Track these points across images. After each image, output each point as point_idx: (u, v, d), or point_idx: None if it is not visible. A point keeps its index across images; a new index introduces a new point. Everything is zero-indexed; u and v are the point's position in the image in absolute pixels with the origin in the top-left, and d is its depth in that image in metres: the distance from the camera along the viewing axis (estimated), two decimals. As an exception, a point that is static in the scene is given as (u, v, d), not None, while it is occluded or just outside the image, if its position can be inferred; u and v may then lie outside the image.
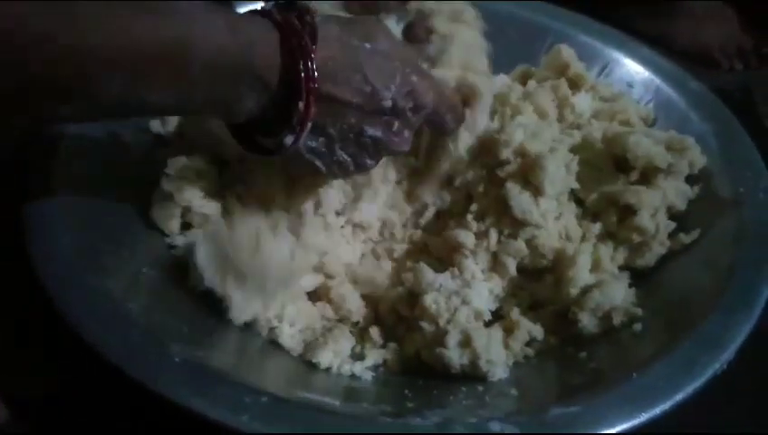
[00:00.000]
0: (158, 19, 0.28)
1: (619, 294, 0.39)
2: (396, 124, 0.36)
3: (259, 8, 0.33)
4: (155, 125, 0.45)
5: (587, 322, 0.38)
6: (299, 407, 0.31)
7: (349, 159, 0.36)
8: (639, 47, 0.54)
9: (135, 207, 0.40)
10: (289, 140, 0.33)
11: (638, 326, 0.37)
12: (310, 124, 0.33)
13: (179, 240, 0.40)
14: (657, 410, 0.31)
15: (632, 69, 0.53)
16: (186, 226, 0.40)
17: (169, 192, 0.39)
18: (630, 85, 0.52)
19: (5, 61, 0.26)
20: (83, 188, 0.38)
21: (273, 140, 0.34)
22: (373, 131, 0.35)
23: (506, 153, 0.41)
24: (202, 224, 0.40)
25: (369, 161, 0.37)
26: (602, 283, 0.39)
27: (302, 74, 0.31)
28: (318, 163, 0.36)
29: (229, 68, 0.30)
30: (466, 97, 0.42)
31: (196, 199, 0.40)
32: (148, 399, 0.30)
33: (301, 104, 0.32)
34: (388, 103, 0.34)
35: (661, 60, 0.53)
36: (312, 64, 0.31)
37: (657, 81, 0.51)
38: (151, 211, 0.40)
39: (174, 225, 0.40)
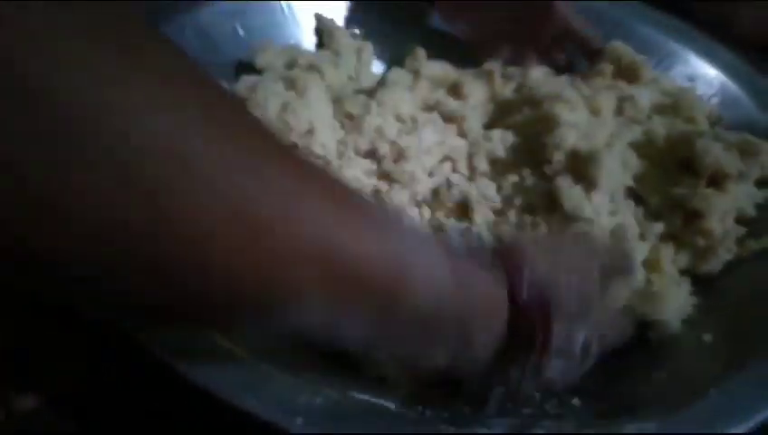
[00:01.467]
0: (384, 240, 0.22)
1: (678, 299, 0.37)
2: (573, 367, 0.30)
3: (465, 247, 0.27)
4: None
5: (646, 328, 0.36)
6: (355, 410, 0.29)
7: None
8: (703, 39, 0.51)
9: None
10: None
11: (707, 337, 0.35)
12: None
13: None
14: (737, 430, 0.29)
15: (695, 63, 0.50)
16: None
17: None
18: (692, 80, 0.50)
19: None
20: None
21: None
22: (551, 373, 0.29)
23: (558, 156, 0.39)
24: None
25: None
26: (662, 286, 0.37)
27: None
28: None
29: (442, 319, 0.25)
30: None
31: None
32: (194, 392, 0.28)
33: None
34: (578, 346, 0.29)
35: (726, 53, 0.50)
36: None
37: (722, 77, 0.49)
38: None
39: None
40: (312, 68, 0.45)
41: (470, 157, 0.41)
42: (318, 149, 0.39)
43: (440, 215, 0.39)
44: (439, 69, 0.47)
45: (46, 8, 0.15)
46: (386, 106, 0.42)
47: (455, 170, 0.41)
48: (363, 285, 0.22)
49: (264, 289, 0.20)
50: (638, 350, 0.36)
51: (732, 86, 0.48)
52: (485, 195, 0.40)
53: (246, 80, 0.43)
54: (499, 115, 0.45)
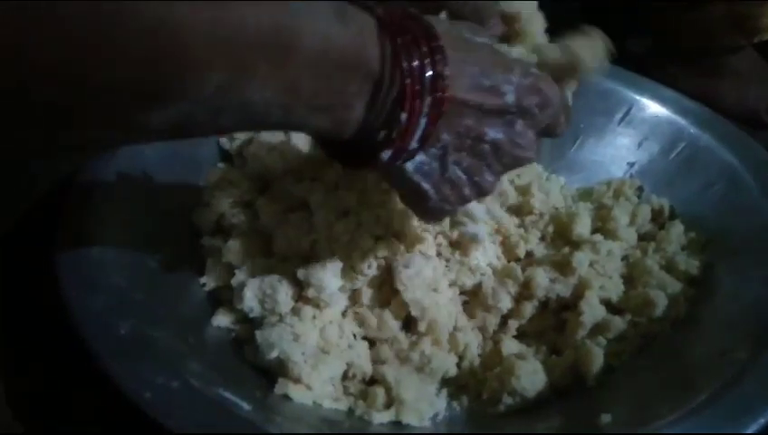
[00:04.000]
0: (259, 3, 0.24)
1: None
2: (519, 124, 0.30)
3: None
4: (224, 142, 0.48)
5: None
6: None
7: (464, 177, 0.30)
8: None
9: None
10: (386, 154, 0.28)
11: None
12: (415, 141, 0.28)
13: (209, 282, 0.41)
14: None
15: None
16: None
17: (207, 200, 0.43)
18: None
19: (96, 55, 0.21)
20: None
21: (373, 152, 0.28)
22: (494, 133, 0.29)
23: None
24: (231, 229, 0.42)
25: (488, 178, 0.31)
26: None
27: (409, 79, 0.27)
28: (425, 186, 0.30)
29: (338, 59, 0.26)
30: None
31: (226, 207, 0.42)
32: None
33: (404, 115, 0.27)
34: (511, 98, 0.29)
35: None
36: (432, 68, 0.27)
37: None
38: (192, 214, 0.43)
39: (209, 228, 0.43)
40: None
41: None
42: None
43: None
44: None
45: None
46: None
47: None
48: (252, 46, 0.24)
49: (174, 73, 0.23)
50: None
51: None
52: None
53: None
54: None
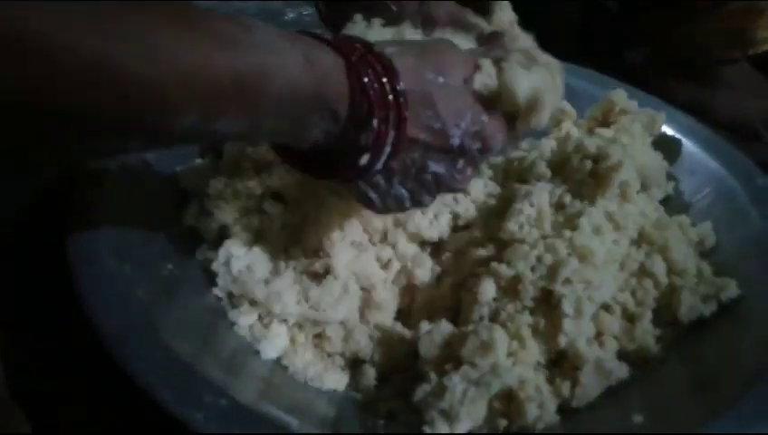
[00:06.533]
0: (237, 51, 0.27)
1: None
2: (460, 163, 0.35)
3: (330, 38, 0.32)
4: None
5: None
6: (254, 419, 0.31)
7: (406, 195, 0.35)
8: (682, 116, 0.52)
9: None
10: (365, 159, 0.32)
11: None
12: (380, 164, 0.32)
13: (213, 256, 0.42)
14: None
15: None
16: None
17: (210, 210, 0.42)
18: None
19: (80, 96, 0.24)
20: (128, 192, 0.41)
21: (345, 161, 0.32)
22: (436, 168, 0.34)
23: None
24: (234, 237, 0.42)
25: (426, 198, 0.36)
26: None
27: (377, 101, 0.31)
28: (372, 196, 0.35)
29: (302, 100, 0.30)
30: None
31: (230, 219, 0.42)
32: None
33: (375, 122, 0.31)
34: (456, 142, 0.34)
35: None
36: (395, 97, 0.31)
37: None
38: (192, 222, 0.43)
39: (212, 237, 0.43)
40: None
41: None
42: None
43: None
44: None
45: None
46: None
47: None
48: (226, 92, 0.27)
49: (150, 110, 0.26)
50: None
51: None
52: None
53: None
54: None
